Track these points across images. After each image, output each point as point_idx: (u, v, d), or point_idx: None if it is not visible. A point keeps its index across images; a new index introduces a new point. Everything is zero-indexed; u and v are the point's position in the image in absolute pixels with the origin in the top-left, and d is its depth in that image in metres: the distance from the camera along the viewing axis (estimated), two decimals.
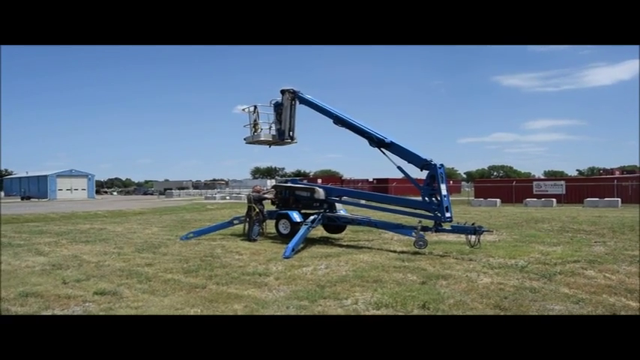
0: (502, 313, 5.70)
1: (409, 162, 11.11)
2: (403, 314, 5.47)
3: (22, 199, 58.03)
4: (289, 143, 13.92)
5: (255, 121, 13.81)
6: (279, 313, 5.80)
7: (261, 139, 13.76)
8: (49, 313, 5.92)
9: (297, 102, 13.30)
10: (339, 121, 12.17)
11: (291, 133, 13.57)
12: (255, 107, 13.92)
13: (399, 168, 11.43)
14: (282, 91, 13.35)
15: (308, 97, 13.04)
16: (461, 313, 5.69)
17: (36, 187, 64.97)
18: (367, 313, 5.73)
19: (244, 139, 14.18)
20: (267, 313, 5.80)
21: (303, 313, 5.76)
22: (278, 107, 13.57)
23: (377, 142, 11.44)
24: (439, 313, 5.70)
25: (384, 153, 11.51)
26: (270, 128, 13.77)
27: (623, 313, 5.66)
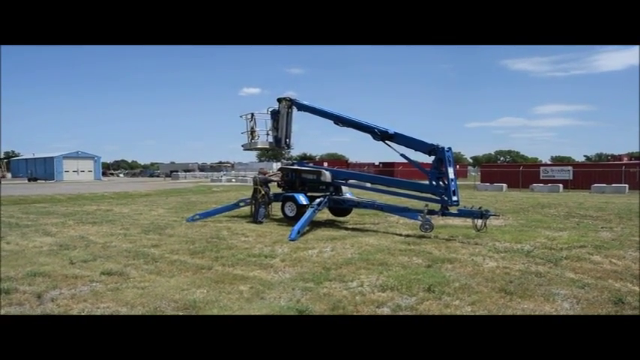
0: (507, 297, 5.70)
1: (416, 150, 11.08)
2: (403, 314, 5.46)
3: (29, 180, 58.38)
4: (285, 149, 14.40)
5: (252, 128, 14.18)
6: (284, 295, 5.83)
7: (258, 146, 14.29)
8: (56, 292, 5.99)
9: (295, 109, 13.61)
10: (340, 120, 12.35)
11: (287, 140, 13.91)
12: (253, 115, 14.29)
13: (403, 155, 11.42)
14: (279, 100, 13.66)
15: (305, 102, 13.34)
16: (466, 297, 5.70)
17: (42, 169, 65.19)
18: (372, 296, 5.76)
19: (242, 146, 14.57)
20: (272, 295, 5.84)
21: (308, 295, 5.80)
22: (275, 115, 13.91)
23: (380, 135, 11.43)
24: (444, 297, 5.72)
25: (388, 145, 11.50)
26: (267, 135, 14.16)
27: (628, 298, 5.64)
